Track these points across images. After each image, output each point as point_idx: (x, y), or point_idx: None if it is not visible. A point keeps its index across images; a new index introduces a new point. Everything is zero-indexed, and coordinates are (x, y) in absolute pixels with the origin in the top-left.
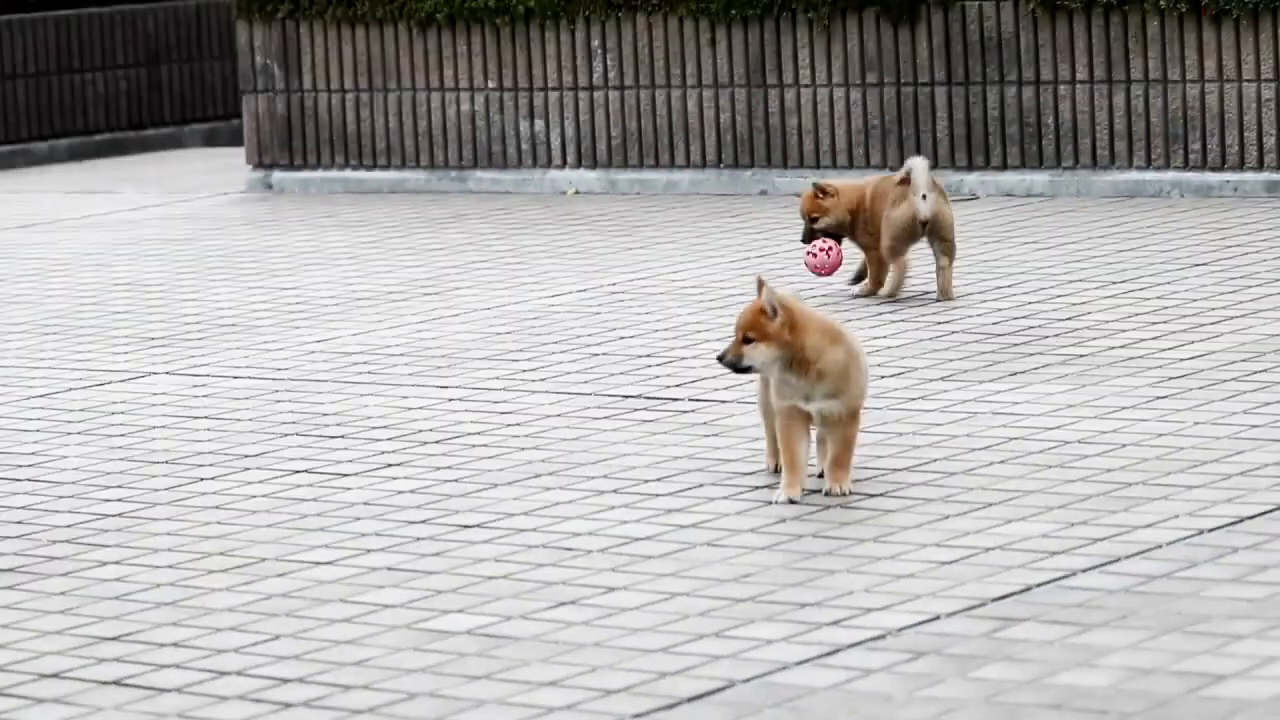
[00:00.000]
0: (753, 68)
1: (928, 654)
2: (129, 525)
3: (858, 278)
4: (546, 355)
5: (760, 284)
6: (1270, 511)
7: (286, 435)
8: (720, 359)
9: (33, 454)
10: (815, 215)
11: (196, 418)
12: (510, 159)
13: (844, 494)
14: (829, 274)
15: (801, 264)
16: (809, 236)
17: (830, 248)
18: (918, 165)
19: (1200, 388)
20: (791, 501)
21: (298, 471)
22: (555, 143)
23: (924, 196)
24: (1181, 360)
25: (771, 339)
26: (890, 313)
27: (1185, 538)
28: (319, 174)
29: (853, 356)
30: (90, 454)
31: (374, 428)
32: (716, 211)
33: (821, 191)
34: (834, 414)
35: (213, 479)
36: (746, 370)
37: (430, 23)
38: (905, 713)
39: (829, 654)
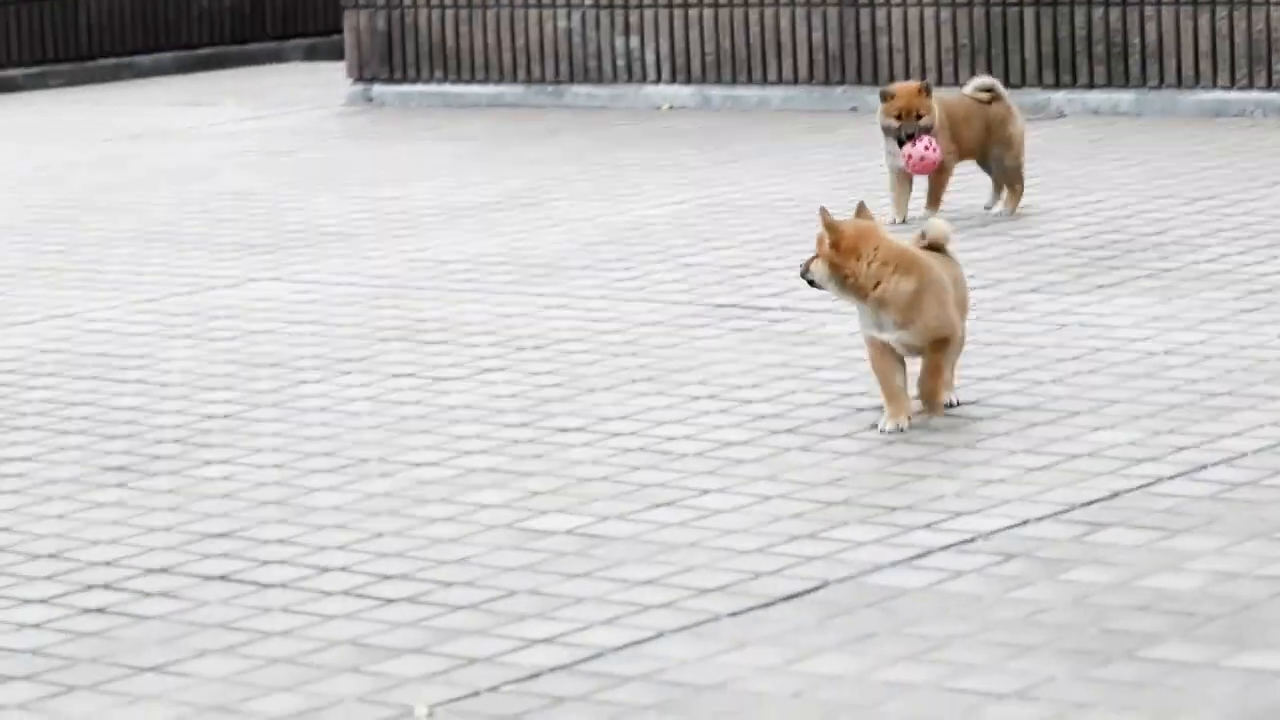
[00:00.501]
0: None
1: (1017, 557)
2: (235, 426)
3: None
4: (642, 265)
5: (821, 211)
6: None
7: (388, 340)
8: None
9: (141, 356)
10: (922, 113)
11: (300, 323)
12: (606, 75)
13: (935, 414)
14: (931, 170)
15: (900, 170)
16: (912, 134)
17: (934, 144)
18: (999, 84)
19: None
20: (899, 430)
21: (399, 375)
22: (650, 59)
23: None
24: (1265, 275)
25: (822, 258)
26: (979, 226)
27: (1269, 446)
28: (418, 88)
29: (926, 286)
30: (197, 357)
31: (473, 334)
32: (808, 127)
33: (926, 90)
34: (910, 345)
35: (317, 382)
36: (812, 283)
37: None
38: (995, 613)
39: (920, 556)
